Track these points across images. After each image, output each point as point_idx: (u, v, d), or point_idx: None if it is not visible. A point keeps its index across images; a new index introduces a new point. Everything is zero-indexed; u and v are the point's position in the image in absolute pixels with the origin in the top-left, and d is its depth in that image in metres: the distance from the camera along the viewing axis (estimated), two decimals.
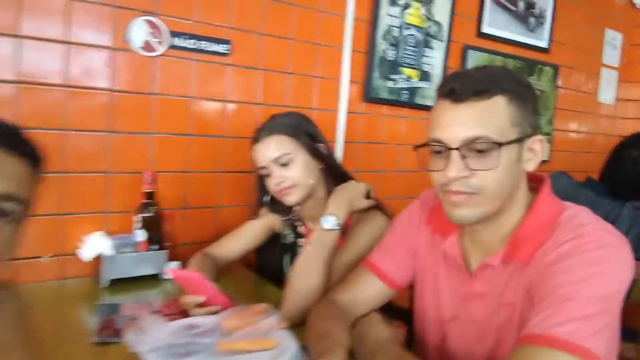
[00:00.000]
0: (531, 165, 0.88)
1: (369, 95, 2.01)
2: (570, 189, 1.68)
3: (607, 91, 3.05)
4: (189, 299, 1.16)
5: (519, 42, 2.49)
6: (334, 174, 1.43)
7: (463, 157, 0.82)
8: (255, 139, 1.37)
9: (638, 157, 1.58)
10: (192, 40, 1.57)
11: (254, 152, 1.37)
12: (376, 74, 2.01)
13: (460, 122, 0.83)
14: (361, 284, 1.11)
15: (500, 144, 0.81)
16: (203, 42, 1.59)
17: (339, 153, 1.96)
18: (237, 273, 1.55)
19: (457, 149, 0.82)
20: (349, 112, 1.97)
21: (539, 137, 0.88)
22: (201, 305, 1.16)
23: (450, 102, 0.84)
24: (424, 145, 0.90)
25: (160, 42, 1.52)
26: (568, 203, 0.91)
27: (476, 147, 0.82)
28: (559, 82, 2.75)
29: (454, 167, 0.83)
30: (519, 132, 0.83)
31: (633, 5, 3.04)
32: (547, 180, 0.93)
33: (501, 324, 0.91)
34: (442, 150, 0.85)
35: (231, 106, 1.68)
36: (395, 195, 2.14)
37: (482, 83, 0.82)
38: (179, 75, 1.58)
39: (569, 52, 2.78)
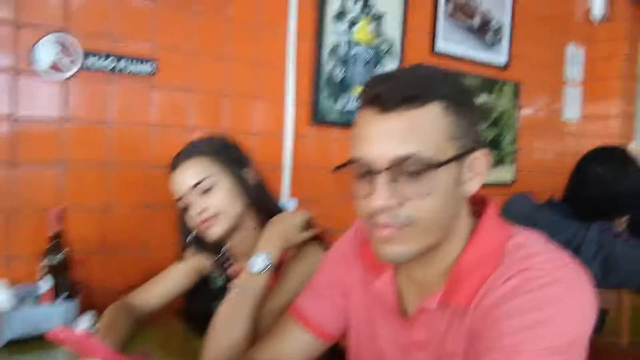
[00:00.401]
0: (474, 186, 0.73)
1: (317, 117, 1.87)
2: (530, 211, 1.55)
3: (572, 108, 2.98)
4: None
5: (476, 58, 2.40)
6: (265, 204, 1.26)
7: (392, 181, 0.67)
8: (172, 167, 1.21)
9: (602, 173, 1.45)
10: (109, 60, 1.41)
11: (171, 182, 1.21)
12: (324, 95, 1.87)
13: (388, 136, 0.67)
14: (286, 336, 0.94)
15: (436, 165, 0.66)
16: (123, 61, 1.44)
17: (286, 180, 1.81)
18: (164, 323, 1.36)
19: (383, 171, 0.66)
20: (295, 136, 1.82)
21: (483, 150, 0.72)
22: None
23: (375, 111, 0.68)
24: (345, 165, 0.73)
25: (71, 63, 1.36)
26: (517, 228, 0.76)
27: (407, 169, 0.66)
28: (521, 100, 2.67)
29: (380, 195, 0.67)
30: (459, 148, 0.69)
31: (592, 20, 3.01)
32: (492, 202, 0.78)
33: None
34: (367, 172, 0.69)
35: (159, 132, 1.52)
36: (351, 224, 1.99)
37: (414, 87, 0.67)
38: (95, 99, 1.42)
39: (529, 69, 2.71)
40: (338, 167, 0.75)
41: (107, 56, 1.41)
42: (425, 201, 0.67)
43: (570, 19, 2.93)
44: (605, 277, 1.32)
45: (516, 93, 2.61)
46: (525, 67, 2.68)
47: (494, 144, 2.53)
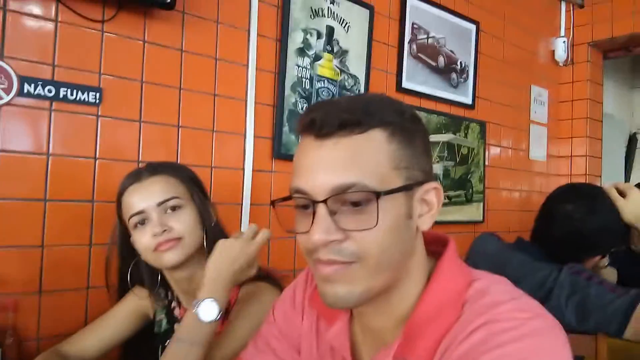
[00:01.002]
0: (426, 222, 0.66)
1: (279, 152, 1.79)
2: (499, 252, 1.47)
3: (538, 148, 2.99)
4: None
5: (441, 97, 2.39)
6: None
7: (332, 212, 0.60)
8: (132, 179, 1.09)
9: (571, 211, 1.38)
10: (50, 87, 1.31)
11: (128, 195, 1.08)
12: (286, 129, 1.80)
13: (326, 165, 0.61)
14: None
15: (378, 194, 0.59)
16: (64, 88, 1.33)
17: (245, 216, 1.70)
18: None
19: (323, 201, 0.60)
20: (255, 170, 1.73)
21: (434, 184, 0.66)
22: None
23: (312, 138, 0.63)
24: (285, 198, 0.67)
25: (5, 89, 1.25)
26: (477, 271, 0.68)
27: (349, 199, 0.60)
28: (488, 139, 2.65)
29: (319, 228, 0.60)
30: (406, 178, 0.62)
31: (556, 62, 3.07)
32: (451, 242, 0.70)
33: None
34: (307, 204, 0.62)
35: (103, 164, 1.41)
36: None
37: (353, 112, 0.61)
38: (32, 128, 1.30)
39: (495, 109, 2.71)
40: (277, 200, 0.69)
41: (46, 83, 1.31)
42: (371, 235, 0.59)
43: (535, 61, 2.98)
44: (580, 322, 1.24)
45: (483, 132, 2.60)
46: (491, 107, 2.68)
47: (462, 183, 2.49)
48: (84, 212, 1.37)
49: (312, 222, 0.60)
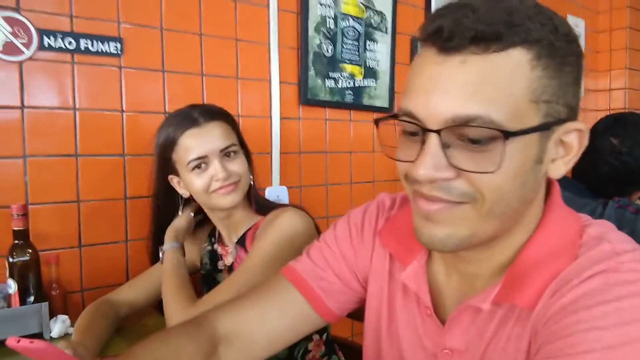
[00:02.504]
0: (559, 169, 0.56)
1: (305, 98, 1.73)
2: None
3: None
4: None
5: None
6: (254, 188, 1.22)
7: (445, 146, 0.51)
8: (189, 123, 1.10)
9: (619, 143, 1.31)
10: (70, 39, 1.27)
11: (187, 138, 1.10)
12: (312, 72, 1.74)
13: (446, 87, 0.50)
14: (277, 295, 0.77)
15: (507, 133, 0.49)
16: (85, 40, 1.29)
17: (275, 166, 1.68)
18: (146, 317, 1.25)
19: (437, 131, 0.51)
20: (283, 118, 1.69)
21: (578, 124, 0.55)
22: None
23: (433, 51, 0.52)
24: (389, 117, 0.58)
25: (26, 44, 1.22)
26: (585, 216, 0.62)
27: (468, 134, 0.50)
28: None
29: (428, 162, 0.51)
30: (544, 115, 0.52)
31: None
32: (556, 184, 0.62)
33: None
34: (416, 131, 0.54)
35: (130, 117, 1.38)
36: (347, 211, 1.87)
37: (492, 23, 0.49)
38: (56, 83, 1.28)
39: None
40: (380, 120, 0.59)
41: (66, 35, 1.27)
42: (488, 179, 0.50)
43: None
44: None
45: None
46: None
47: None
48: (116, 166, 1.36)
49: (420, 152, 0.52)
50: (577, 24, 2.81)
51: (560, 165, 0.56)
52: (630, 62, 2.88)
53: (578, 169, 1.45)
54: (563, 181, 1.53)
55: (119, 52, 1.35)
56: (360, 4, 1.84)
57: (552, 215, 0.59)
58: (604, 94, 2.96)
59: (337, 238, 0.79)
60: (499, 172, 0.50)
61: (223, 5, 1.55)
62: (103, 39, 1.32)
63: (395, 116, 0.56)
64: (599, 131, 1.41)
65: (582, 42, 2.85)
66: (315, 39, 1.73)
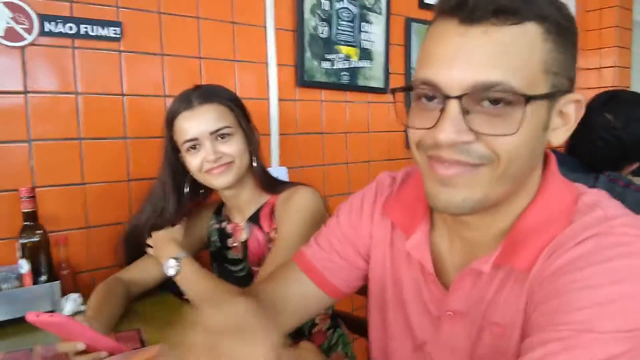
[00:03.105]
0: (560, 137, 0.60)
1: (302, 79, 1.76)
2: None
3: None
4: (66, 347, 0.90)
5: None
6: (262, 165, 1.25)
7: (465, 112, 0.54)
8: (184, 105, 1.14)
9: (613, 120, 1.35)
10: (70, 24, 1.29)
11: (181, 120, 1.14)
12: (308, 55, 1.76)
13: (470, 56, 0.53)
14: (290, 282, 0.85)
15: (528, 97, 0.53)
16: (85, 25, 1.31)
17: (274, 147, 1.71)
18: (155, 295, 1.28)
19: (458, 97, 0.54)
20: (280, 100, 1.71)
21: (576, 95, 0.60)
22: (83, 352, 0.90)
23: (456, 22, 0.55)
24: (405, 89, 0.62)
25: (27, 29, 1.24)
26: (581, 185, 0.66)
27: (490, 99, 0.54)
28: None
29: (449, 126, 0.54)
30: (552, 85, 0.56)
31: None
32: (552, 155, 0.67)
33: (486, 354, 0.65)
34: (435, 97, 0.57)
35: (131, 101, 1.41)
36: (344, 190, 1.91)
37: (512, 0, 0.53)
38: (58, 67, 1.29)
39: None
40: (397, 90, 0.62)
41: (67, 20, 1.28)
42: (505, 142, 0.54)
43: None
44: None
45: None
46: None
47: None
48: (118, 149, 1.39)
49: (440, 118, 0.55)
50: (568, 3, 2.83)
51: (561, 134, 0.61)
52: (620, 41, 2.91)
53: (572, 145, 1.49)
54: (556, 157, 1.58)
55: (119, 36, 1.36)
56: None
57: (550, 184, 0.64)
58: (594, 72, 3.00)
59: (339, 222, 0.85)
60: (517, 135, 0.54)
61: None
62: (102, 23, 1.34)
63: (410, 88, 0.59)
64: (594, 107, 1.45)
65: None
66: (310, 21, 1.75)
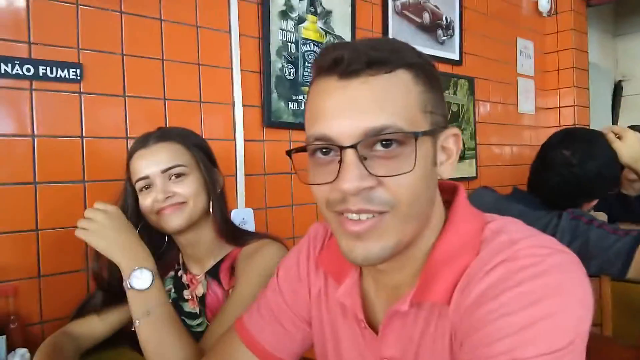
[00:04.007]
0: (447, 170, 0.63)
1: (269, 120, 1.75)
2: (496, 204, 1.47)
3: (526, 101, 2.98)
4: None
5: (429, 55, 2.34)
6: (224, 213, 1.17)
7: (363, 158, 0.56)
8: (139, 145, 1.10)
9: (569, 156, 1.38)
10: (28, 66, 1.26)
11: (135, 159, 1.09)
12: (275, 96, 1.76)
13: (355, 106, 0.56)
14: (232, 355, 0.81)
15: (416, 134, 0.56)
16: (43, 67, 1.28)
17: (240, 188, 1.68)
18: (113, 350, 1.20)
19: (353, 146, 0.55)
20: (247, 140, 1.70)
21: (453, 130, 0.64)
22: None
23: (336, 78, 0.58)
24: (303, 148, 0.63)
25: None
26: (489, 214, 0.67)
27: (382, 142, 0.56)
28: (477, 95, 2.64)
29: (351, 175, 0.55)
30: (432, 122, 0.60)
31: (540, 13, 3.03)
32: (461, 188, 0.69)
33: None
34: (330, 151, 0.59)
35: (90, 143, 1.37)
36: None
37: (380, 50, 0.58)
38: (14, 110, 1.25)
39: (482, 64, 2.69)
40: (293, 150, 0.64)
41: (24, 62, 1.25)
42: (405, 180, 0.56)
43: (519, 13, 2.94)
44: (583, 266, 1.25)
45: (471, 88, 2.58)
46: (479, 62, 2.66)
47: None
48: (76, 192, 1.34)
49: (340, 170, 0.56)
50: (527, 46, 2.96)
51: (447, 167, 0.63)
52: (577, 81, 3.04)
53: (532, 182, 1.51)
54: (519, 194, 1.60)
55: (79, 78, 1.34)
56: (320, 29, 1.89)
57: (456, 216, 0.65)
58: (554, 111, 3.11)
59: (280, 286, 0.83)
60: (413, 172, 0.56)
61: (185, 31, 1.56)
62: (62, 65, 1.31)
63: (309, 144, 0.60)
64: (551, 144, 1.47)
65: (531, 62, 3.00)
66: (277, 63, 1.76)
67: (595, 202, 1.46)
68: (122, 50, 1.43)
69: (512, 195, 1.53)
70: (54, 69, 1.30)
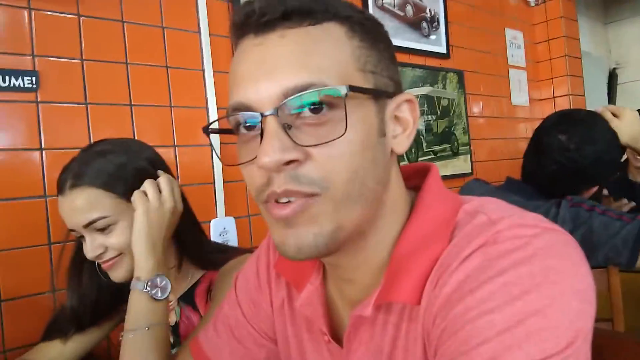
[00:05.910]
0: (402, 144, 0.53)
1: None
2: (489, 194, 1.37)
3: (519, 93, 2.89)
4: None
5: (414, 49, 2.26)
6: (189, 229, 1.03)
7: (287, 126, 0.47)
8: (60, 186, 0.95)
9: (566, 140, 1.27)
10: None
11: (59, 207, 0.96)
12: None
13: (271, 64, 0.47)
14: None
15: (346, 92, 0.46)
16: None
17: (219, 196, 1.58)
18: None
19: (274, 113, 0.46)
20: (222, 143, 1.59)
21: (406, 95, 0.54)
22: None
23: (252, 35, 0.49)
24: (218, 120, 0.55)
25: None
26: (468, 196, 0.56)
27: (309, 105, 0.46)
28: (467, 89, 2.55)
29: (271, 146, 0.46)
30: (375, 84, 0.50)
31: (527, 3, 2.95)
32: (434, 168, 0.58)
33: None
34: (252, 122, 0.49)
35: (50, 155, 1.27)
36: None
37: (301, 1, 0.49)
38: None
39: (471, 56, 2.60)
40: (208, 126, 0.55)
41: None
42: (337, 151, 0.46)
43: (506, 3, 2.86)
44: (588, 257, 1.15)
45: (461, 82, 2.49)
46: (467, 54, 2.57)
47: (446, 136, 2.39)
48: (37, 208, 1.24)
49: (261, 142, 0.47)
50: (516, 36, 2.88)
51: (403, 140, 0.54)
52: (571, 69, 2.96)
53: (527, 171, 1.41)
54: (513, 185, 1.49)
55: (35, 86, 1.25)
56: None
57: (425, 200, 0.54)
58: (549, 102, 3.02)
59: (238, 298, 0.73)
60: (346, 138, 0.46)
61: (150, 33, 1.47)
62: (16, 73, 1.22)
63: (226, 115, 0.51)
64: (545, 128, 1.37)
65: (522, 53, 2.92)
66: None
67: (595, 188, 1.36)
68: (82, 55, 1.34)
69: (505, 186, 1.43)
70: (7, 77, 1.21)
